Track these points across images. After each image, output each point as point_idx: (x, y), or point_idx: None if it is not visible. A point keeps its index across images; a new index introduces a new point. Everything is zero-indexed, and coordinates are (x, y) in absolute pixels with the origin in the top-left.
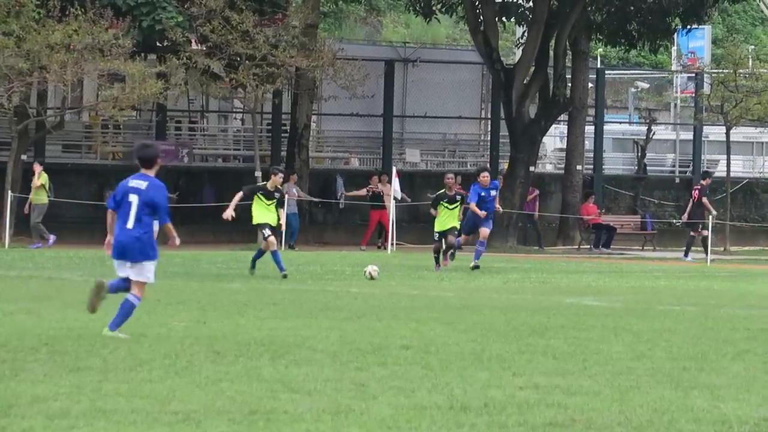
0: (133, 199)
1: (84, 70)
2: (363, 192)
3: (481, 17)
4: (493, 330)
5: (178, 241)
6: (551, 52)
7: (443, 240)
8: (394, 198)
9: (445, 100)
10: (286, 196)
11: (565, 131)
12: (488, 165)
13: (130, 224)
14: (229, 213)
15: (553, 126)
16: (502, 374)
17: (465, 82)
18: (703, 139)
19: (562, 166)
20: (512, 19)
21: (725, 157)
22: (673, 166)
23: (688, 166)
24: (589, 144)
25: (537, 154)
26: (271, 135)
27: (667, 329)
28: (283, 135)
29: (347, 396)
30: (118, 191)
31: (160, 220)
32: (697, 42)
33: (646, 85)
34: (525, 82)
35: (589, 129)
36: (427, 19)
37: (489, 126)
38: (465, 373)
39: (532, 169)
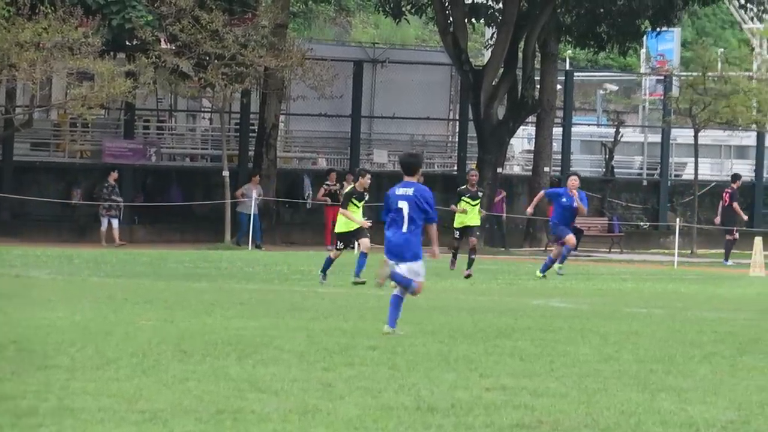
0: (403, 205)
1: (53, 69)
2: (322, 191)
3: (451, 18)
4: (460, 331)
5: (437, 251)
6: (520, 54)
7: (462, 239)
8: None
9: (414, 101)
10: (244, 196)
11: (533, 133)
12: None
13: (404, 228)
14: (365, 223)
15: (521, 128)
16: (468, 375)
17: (433, 83)
18: (671, 141)
19: (530, 167)
20: (481, 21)
21: (693, 160)
22: (641, 168)
23: (656, 169)
24: (556, 146)
25: (505, 155)
26: (239, 135)
27: (634, 332)
28: (251, 135)
29: (314, 396)
30: (389, 201)
31: (429, 220)
32: (667, 44)
33: (614, 88)
34: (493, 83)
35: (557, 131)
36: (397, 20)
37: (457, 127)
38: (432, 374)
39: (499, 170)
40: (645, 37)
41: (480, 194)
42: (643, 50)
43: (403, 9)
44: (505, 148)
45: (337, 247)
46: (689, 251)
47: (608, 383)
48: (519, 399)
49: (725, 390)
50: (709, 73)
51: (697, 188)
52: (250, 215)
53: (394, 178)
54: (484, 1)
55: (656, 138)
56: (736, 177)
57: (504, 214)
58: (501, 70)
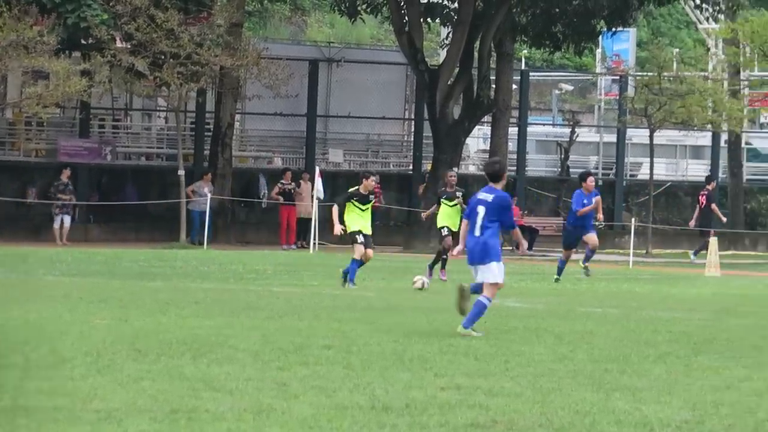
0: (480, 210)
1: (8, 67)
2: (276, 190)
3: (406, 18)
4: (415, 330)
5: (525, 245)
6: (476, 54)
7: (449, 238)
8: (317, 198)
9: (369, 101)
10: (195, 194)
11: (489, 132)
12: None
13: (477, 231)
14: (338, 229)
15: (477, 127)
16: (423, 375)
17: (389, 82)
18: (626, 141)
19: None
20: (437, 20)
21: (648, 160)
22: (596, 168)
23: (612, 169)
24: (512, 145)
25: (460, 155)
26: (194, 134)
27: (589, 331)
28: (206, 134)
29: (269, 395)
30: (470, 203)
31: (507, 227)
32: (622, 44)
33: (570, 88)
34: (449, 83)
35: (513, 131)
36: (352, 19)
37: (412, 127)
38: (386, 374)
39: (455, 170)
40: (600, 37)
41: (459, 195)
42: (599, 50)
43: (359, 8)
44: (460, 148)
45: (358, 242)
46: (644, 251)
47: (563, 383)
48: (474, 398)
49: (680, 390)
50: (665, 73)
51: (652, 188)
52: (200, 213)
53: (351, 178)
54: (440, 1)
55: (611, 138)
56: (710, 178)
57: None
58: (456, 70)
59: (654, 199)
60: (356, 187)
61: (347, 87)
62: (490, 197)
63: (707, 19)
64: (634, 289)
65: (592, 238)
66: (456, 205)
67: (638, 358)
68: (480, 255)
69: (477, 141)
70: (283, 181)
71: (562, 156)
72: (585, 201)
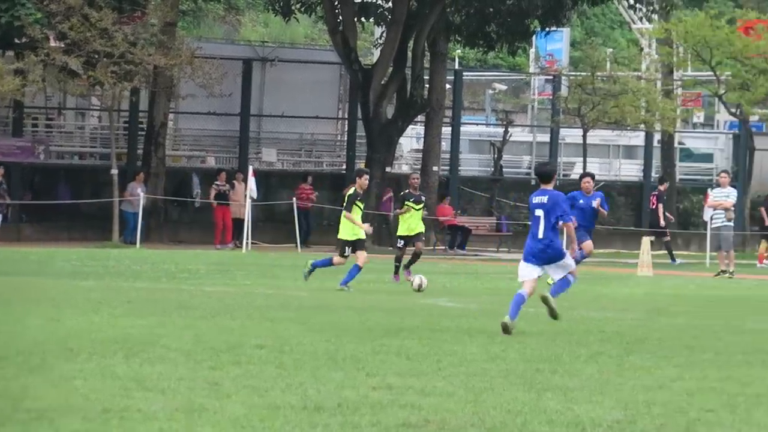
0: (540, 213)
1: None
2: (212, 193)
3: (340, 17)
4: (347, 330)
5: (576, 245)
6: (409, 53)
7: (407, 247)
8: (251, 197)
9: (303, 100)
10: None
11: (422, 132)
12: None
13: (540, 234)
14: (367, 227)
15: (410, 127)
16: (355, 374)
17: (322, 81)
18: (559, 141)
19: (419, 166)
20: (371, 20)
21: (582, 159)
22: (530, 168)
23: None
24: (445, 145)
25: (393, 154)
26: (128, 133)
27: (520, 331)
28: (140, 133)
29: (201, 395)
30: (529, 207)
31: (564, 219)
32: (556, 44)
33: (503, 87)
34: (383, 82)
35: (446, 130)
36: (286, 19)
37: (346, 126)
38: (319, 373)
39: (388, 169)
40: (534, 36)
41: (423, 198)
42: (532, 50)
43: (293, 8)
44: (393, 147)
45: (344, 254)
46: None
47: (495, 382)
48: (406, 398)
49: (611, 389)
50: (598, 73)
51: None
52: (134, 213)
53: (285, 177)
54: (374, 0)
55: (545, 138)
56: (662, 179)
57: (392, 213)
58: (390, 69)
59: None
60: (353, 188)
61: (281, 86)
62: (545, 199)
63: (641, 19)
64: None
65: (588, 244)
66: (421, 209)
67: (570, 358)
68: (550, 256)
69: (410, 140)
70: (217, 182)
71: (496, 156)
72: (582, 202)
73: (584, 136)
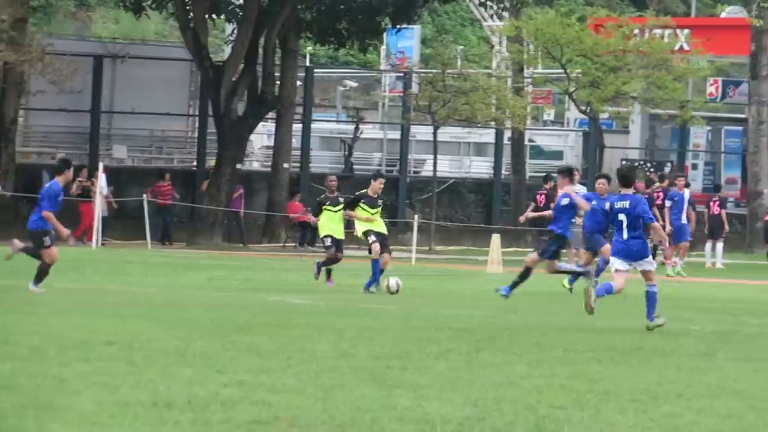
0: (623, 217)
1: None
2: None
3: (191, 14)
4: (198, 327)
5: (666, 241)
6: (261, 50)
7: (337, 248)
8: (101, 193)
9: (153, 97)
10: None
11: (273, 129)
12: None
13: (625, 235)
14: (371, 218)
15: (261, 124)
16: (206, 371)
17: (173, 78)
18: (410, 138)
19: (269, 163)
20: (222, 17)
21: (432, 156)
22: (380, 165)
23: (395, 166)
24: (296, 142)
25: (244, 151)
26: None
27: (370, 328)
28: None
29: (49, 392)
30: (611, 210)
31: (648, 220)
32: (407, 41)
33: (354, 84)
34: (234, 79)
35: (297, 127)
36: (137, 15)
37: (197, 123)
38: (169, 370)
39: (238, 166)
40: (385, 33)
41: (341, 200)
42: (384, 47)
43: (144, 4)
44: (244, 144)
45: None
46: (428, 248)
47: (345, 379)
48: (256, 395)
49: (462, 386)
50: (449, 71)
51: (436, 185)
52: None
53: (135, 174)
54: None
55: (396, 135)
56: (548, 178)
57: (242, 210)
58: (241, 66)
59: (437, 196)
60: (364, 190)
61: (131, 83)
62: (627, 204)
63: (491, 16)
64: (416, 286)
65: (607, 248)
66: (339, 211)
67: (420, 355)
68: (635, 254)
69: (261, 137)
70: (80, 178)
71: (346, 152)
72: (594, 201)
73: (435, 134)
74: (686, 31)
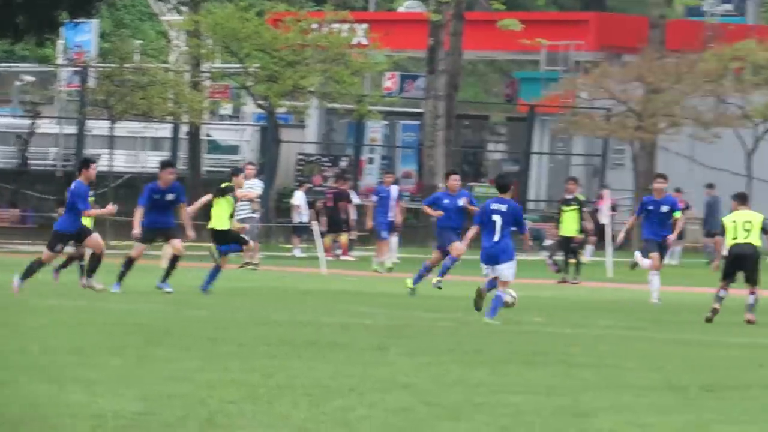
0: (497, 218)
1: None
2: None
3: None
4: None
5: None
6: None
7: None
8: None
9: None
10: None
11: None
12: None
13: (496, 237)
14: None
15: None
16: None
17: None
18: (87, 133)
19: None
20: None
21: (108, 151)
22: (56, 159)
23: (71, 161)
24: None
25: None
26: None
27: (43, 325)
28: None
29: None
30: (484, 212)
31: (521, 230)
32: (85, 36)
33: (31, 79)
34: None
35: None
36: None
37: None
38: None
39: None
40: (62, 28)
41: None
42: (61, 41)
43: None
44: None
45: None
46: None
47: (17, 375)
48: None
49: (135, 381)
50: (126, 65)
51: (112, 179)
52: None
53: None
54: None
55: (72, 129)
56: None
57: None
58: None
59: (113, 190)
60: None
61: None
62: (504, 207)
63: (170, 10)
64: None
65: (456, 245)
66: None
67: (94, 350)
68: (500, 256)
69: None
70: None
71: (22, 147)
72: (446, 201)
73: (111, 128)
74: (364, 25)
